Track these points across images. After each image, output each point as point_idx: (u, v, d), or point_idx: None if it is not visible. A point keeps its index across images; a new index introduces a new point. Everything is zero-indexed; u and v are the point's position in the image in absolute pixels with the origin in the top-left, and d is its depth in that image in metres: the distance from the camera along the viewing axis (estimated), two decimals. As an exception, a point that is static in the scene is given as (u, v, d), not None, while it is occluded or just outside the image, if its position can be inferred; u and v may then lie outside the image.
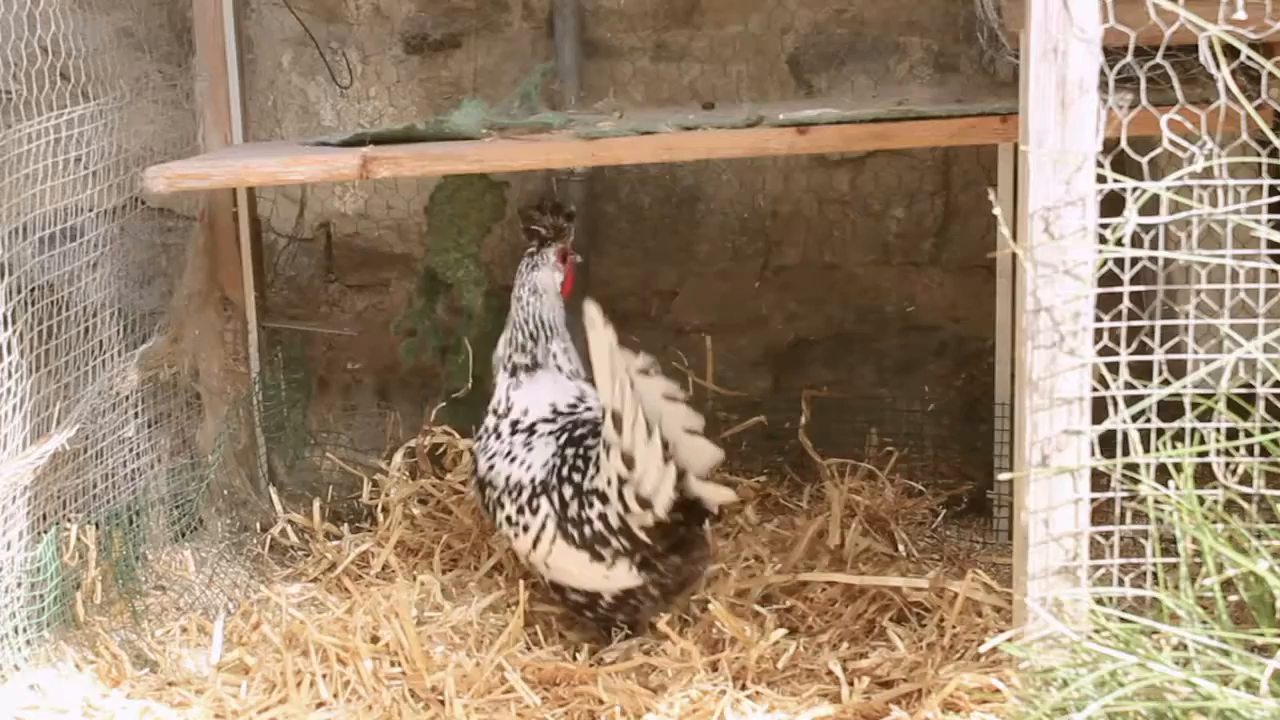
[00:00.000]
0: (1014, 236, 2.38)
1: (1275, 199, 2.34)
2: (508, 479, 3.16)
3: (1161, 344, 2.33)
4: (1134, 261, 2.29)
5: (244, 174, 3.57)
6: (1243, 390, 2.31)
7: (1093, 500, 2.36)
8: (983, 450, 3.83)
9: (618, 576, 2.98)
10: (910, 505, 3.71)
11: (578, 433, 3.13)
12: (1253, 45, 2.23)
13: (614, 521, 2.93)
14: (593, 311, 2.76)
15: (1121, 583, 2.38)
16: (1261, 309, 2.33)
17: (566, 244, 3.39)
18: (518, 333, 3.33)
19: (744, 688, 2.73)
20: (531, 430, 3.22)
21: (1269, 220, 2.28)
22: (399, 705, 2.80)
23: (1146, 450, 2.30)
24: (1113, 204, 2.29)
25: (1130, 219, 2.24)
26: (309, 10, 4.19)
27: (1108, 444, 2.35)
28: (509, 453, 3.20)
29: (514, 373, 3.33)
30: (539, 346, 3.31)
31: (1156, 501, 2.28)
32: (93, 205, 3.53)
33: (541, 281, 3.34)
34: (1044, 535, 2.36)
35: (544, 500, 3.06)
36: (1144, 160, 2.27)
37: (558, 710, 2.79)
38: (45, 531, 3.16)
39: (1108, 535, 2.39)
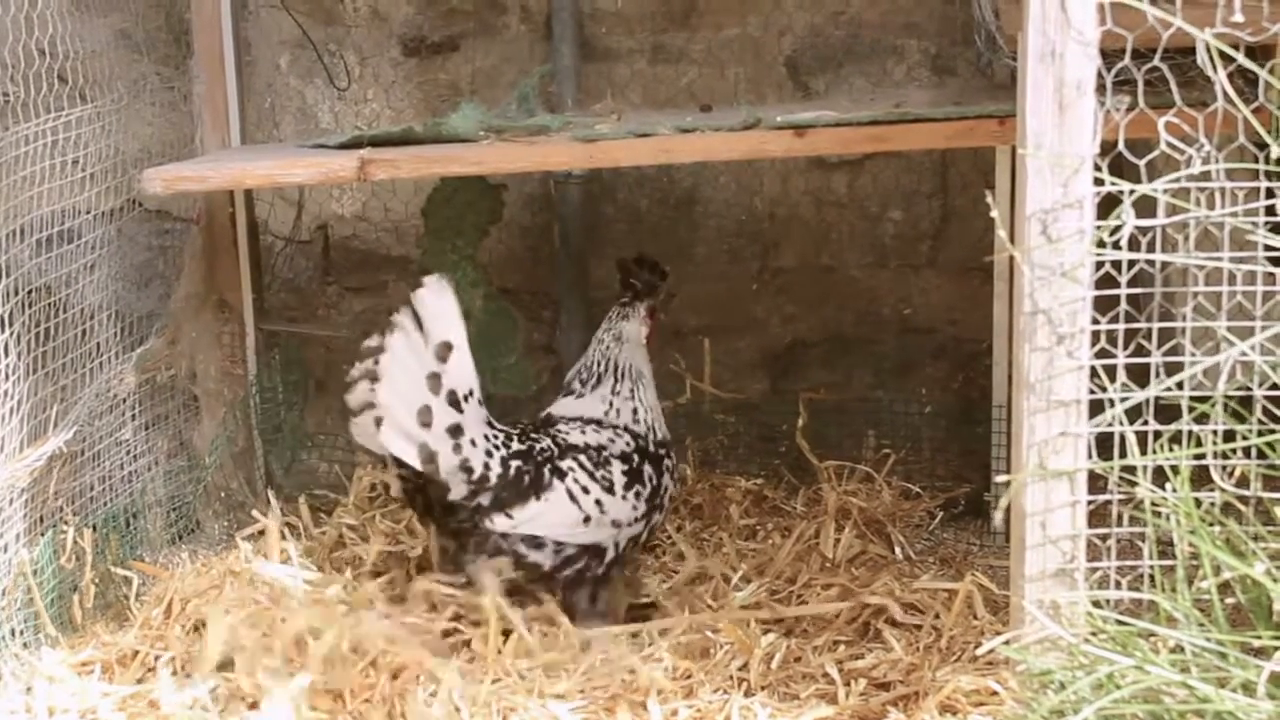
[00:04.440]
0: (1011, 239, 2.38)
1: (1272, 201, 2.34)
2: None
3: (1159, 346, 2.33)
4: (1131, 264, 2.29)
5: (242, 176, 3.57)
6: (1240, 393, 2.31)
7: (1090, 503, 2.37)
8: (980, 452, 3.83)
9: None
10: (907, 507, 3.71)
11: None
12: (1250, 48, 2.23)
13: None
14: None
15: (1118, 585, 2.38)
16: (1259, 311, 2.33)
17: (657, 300, 3.50)
18: (584, 370, 3.43)
19: (747, 693, 2.73)
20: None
21: (1266, 223, 2.28)
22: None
23: (1143, 453, 2.30)
24: (1110, 206, 2.29)
25: (1128, 221, 2.24)
26: (307, 13, 4.19)
27: (1105, 446, 2.35)
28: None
29: (565, 394, 3.45)
30: (601, 387, 3.41)
31: (1153, 504, 2.29)
32: (90, 207, 3.53)
33: (628, 331, 3.44)
34: (1041, 538, 2.36)
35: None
36: (1141, 163, 2.27)
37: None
38: (42, 534, 3.16)
39: (1105, 538, 2.39)
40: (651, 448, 3.36)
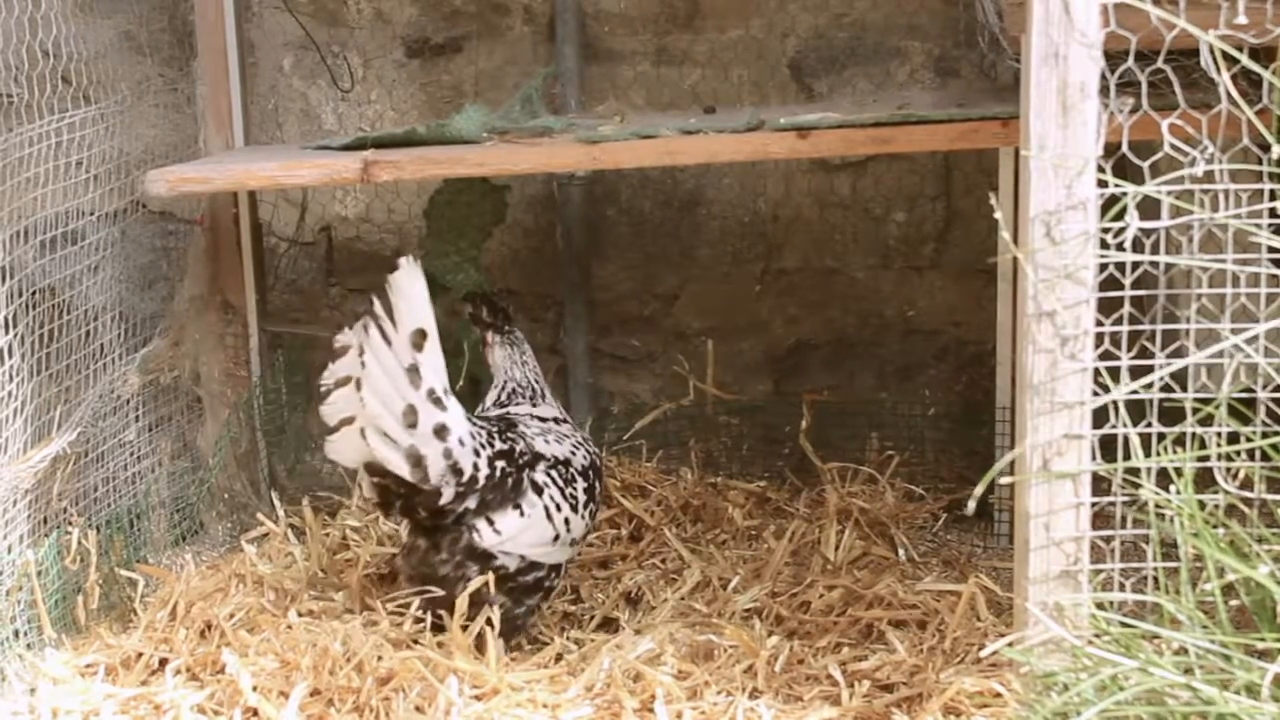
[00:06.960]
0: (1015, 241, 2.37)
1: (1275, 203, 2.34)
2: None
3: (1163, 348, 2.33)
4: (1135, 266, 2.29)
5: (245, 178, 3.57)
6: (1243, 395, 2.31)
7: (1093, 505, 2.36)
8: (983, 454, 3.83)
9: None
10: (911, 509, 3.71)
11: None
12: (1253, 50, 2.23)
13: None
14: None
15: (1122, 587, 2.38)
16: (1262, 313, 2.33)
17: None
18: (528, 385, 3.37)
19: (752, 695, 2.73)
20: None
21: (1269, 225, 2.28)
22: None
23: (1147, 455, 2.30)
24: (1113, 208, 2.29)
25: (1131, 223, 2.24)
26: (310, 14, 4.19)
27: (1108, 448, 2.35)
28: None
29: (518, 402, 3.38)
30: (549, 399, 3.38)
31: (1157, 506, 2.28)
32: (94, 209, 3.54)
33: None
34: (1044, 540, 2.36)
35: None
36: (1145, 164, 2.27)
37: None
38: (47, 535, 3.16)
39: (1108, 540, 2.39)
40: (599, 462, 3.26)
